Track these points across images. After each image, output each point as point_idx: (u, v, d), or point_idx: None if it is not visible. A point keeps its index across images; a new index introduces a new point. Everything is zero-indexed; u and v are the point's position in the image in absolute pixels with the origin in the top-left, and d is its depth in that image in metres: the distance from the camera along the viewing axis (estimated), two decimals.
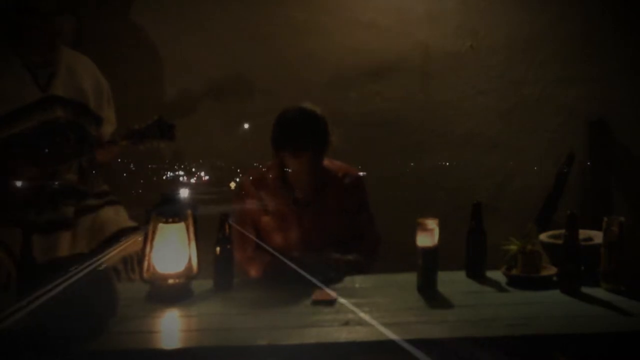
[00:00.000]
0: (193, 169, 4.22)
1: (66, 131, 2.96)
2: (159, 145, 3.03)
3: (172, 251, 2.36)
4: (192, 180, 4.19)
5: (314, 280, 2.42)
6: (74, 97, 3.02)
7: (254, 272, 2.78)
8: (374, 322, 2.07)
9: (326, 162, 2.88)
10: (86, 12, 3.80)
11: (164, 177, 4.14)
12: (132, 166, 4.10)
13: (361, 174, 2.98)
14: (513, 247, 2.54)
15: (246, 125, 4.22)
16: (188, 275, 2.39)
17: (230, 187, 3.79)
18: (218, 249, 2.47)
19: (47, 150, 2.89)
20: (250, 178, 2.93)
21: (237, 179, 3.93)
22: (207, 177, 4.25)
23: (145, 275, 2.37)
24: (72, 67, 3.05)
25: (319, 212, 2.85)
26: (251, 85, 4.20)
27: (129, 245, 2.84)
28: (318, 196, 2.86)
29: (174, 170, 4.18)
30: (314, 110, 2.79)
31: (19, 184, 2.85)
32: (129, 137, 2.99)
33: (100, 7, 4.01)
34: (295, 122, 2.76)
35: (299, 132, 2.74)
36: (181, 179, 4.18)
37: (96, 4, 3.99)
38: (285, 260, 2.61)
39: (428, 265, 2.39)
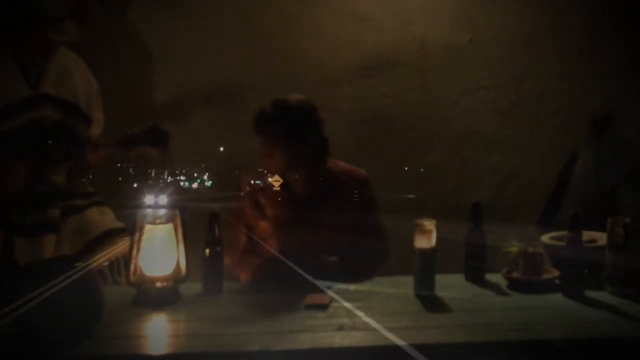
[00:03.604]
0: (195, 175, 4.19)
1: (55, 132, 2.95)
2: (152, 153, 3.02)
3: (159, 253, 2.36)
4: (194, 186, 4.16)
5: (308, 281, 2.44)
6: (64, 96, 3.00)
7: (243, 275, 2.80)
8: (368, 326, 2.07)
9: (330, 163, 2.92)
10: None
11: (161, 182, 4.11)
12: (131, 170, 4.08)
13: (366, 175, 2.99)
14: (514, 249, 2.54)
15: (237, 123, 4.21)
16: (176, 278, 2.39)
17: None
18: (207, 250, 2.47)
19: (35, 150, 2.88)
20: (251, 177, 2.96)
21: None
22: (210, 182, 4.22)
23: (131, 278, 2.37)
24: (65, 66, 3.04)
25: (319, 214, 2.85)
26: (241, 81, 4.19)
27: (115, 247, 2.84)
28: (319, 197, 2.88)
29: (175, 175, 4.15)
30: (286, 97, 2.83)
31: (4, 185, 2.84)
32: (122, 143, 2.99)
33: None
34: (263, 108, 2.82)
35: (265, 117, 2.81)
36: (182, 184, 4.15)
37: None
38: (277, 264, 2.63)
39: (425, 267, 2.39)
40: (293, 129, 2.79)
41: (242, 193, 2.93)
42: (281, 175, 2.89)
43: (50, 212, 2.92)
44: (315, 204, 2.87)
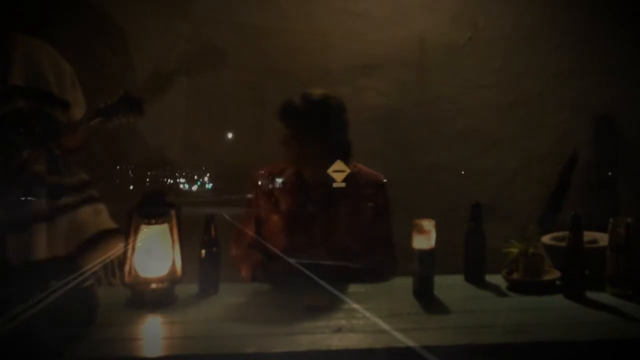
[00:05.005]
0: (195, 177, 4.17)
1: (34, 122, 2.94)
2: (128, 121, 3.00)
3: (155, 254, 2.36)
4: (194, 188, 4.15)
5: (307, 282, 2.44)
6: (34, 85, 2.99)
7: (244, 270, 2.81)
8: (367, 328, 2.08)
9: (349, 165, 2.90)
10: None
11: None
12: (130, 173, 4.07)
13: (384, 180, 2.98)
14: (514, 250, 2.55)
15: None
16: (172, 280, 2.38)
17: None
18: (203, 251, 2.47)
19: (11, 142, 2.87)
20: (266, 171, 2.96)
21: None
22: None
23: (126, 279, 2.37)
24: (29, 54, 3.02)
25: (332, 215, 2.85)
26: (240, 79, 4.19)
27: (110, 248, 2.83)
28: (334, 198, 2.86)
29: (175, 178, 4.13)
30: (315, 92, 2.83)
31: None
32: (95, 117, 2.96)
33: None
34: (290, 98, 2.82)
35: (289, 106, 2.81)
36: (182, 186, 4.14)
37: None
38: (279, 263, 2.63)
39: (424, 268, 2.39)
40: (314, 123, 2.79)
41: (255, 185, 2.92)
42: (297, 170, 2.89)
43: (37, 203, 2.91)
44: (328, 204, 2.86)
